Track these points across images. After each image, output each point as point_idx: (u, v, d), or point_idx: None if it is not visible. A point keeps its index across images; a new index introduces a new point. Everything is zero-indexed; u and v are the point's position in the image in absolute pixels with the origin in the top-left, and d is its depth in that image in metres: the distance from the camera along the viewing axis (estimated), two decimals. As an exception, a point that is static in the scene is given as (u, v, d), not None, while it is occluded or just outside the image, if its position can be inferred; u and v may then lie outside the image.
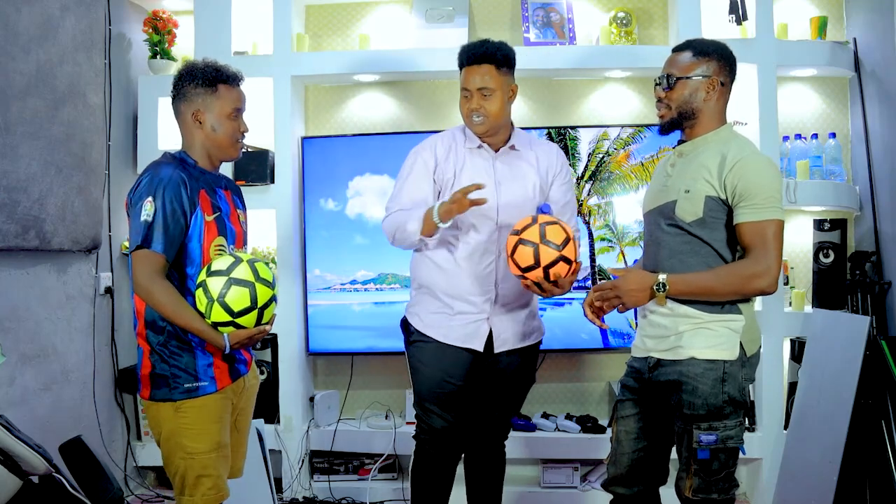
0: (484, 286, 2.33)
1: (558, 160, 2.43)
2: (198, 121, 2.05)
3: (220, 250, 2.03)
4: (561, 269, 2.07)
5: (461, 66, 2.32)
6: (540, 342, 2.49)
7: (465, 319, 2.34)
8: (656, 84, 2.05)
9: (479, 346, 2.34)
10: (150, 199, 1.92)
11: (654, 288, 1.93)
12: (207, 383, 1.99)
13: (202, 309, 1.92)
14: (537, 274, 2.06)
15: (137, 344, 2.03)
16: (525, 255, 2.06)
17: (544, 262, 2.05)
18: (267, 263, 2.05)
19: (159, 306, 1.92)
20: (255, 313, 1.92)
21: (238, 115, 2.10)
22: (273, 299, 1.97)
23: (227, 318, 1.90)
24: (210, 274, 1.92)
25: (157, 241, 1.91)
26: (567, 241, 2.07)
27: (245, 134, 2.13)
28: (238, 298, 1.89)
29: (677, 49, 2.06)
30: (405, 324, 2.45)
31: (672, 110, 2.01)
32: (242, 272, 1.91)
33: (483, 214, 2.30)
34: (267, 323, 1.99)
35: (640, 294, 1.96)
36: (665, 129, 2.06)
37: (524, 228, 2.08)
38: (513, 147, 2.37)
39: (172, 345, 1.98)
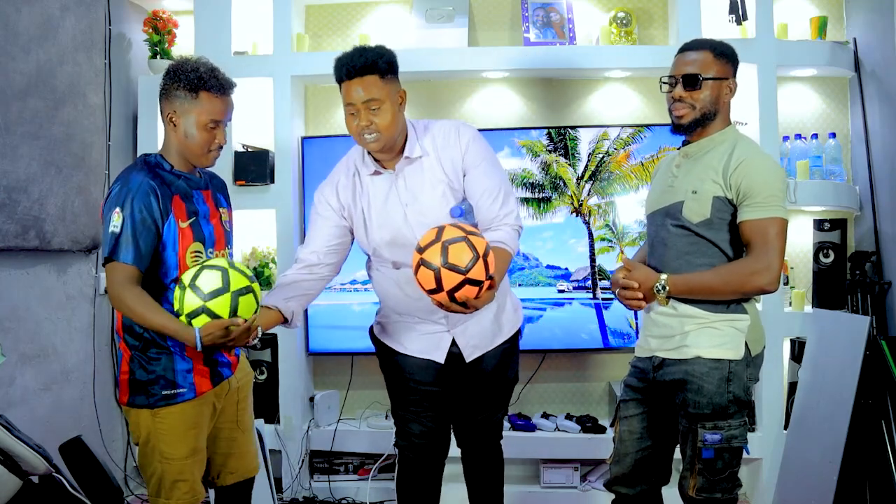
0: (431, 308, 2.06)
1: (461, 142, 2.13)
2: (172, 122, 2.01)
3: (196, 257, 2.01)
4: (468, 291, 1.84)
5: (340, 80, 2.07)
6: (517, 334, 2.33)
7: (425, 330, 2.23)
8: (671, 83, 2.00)
9: (441, 358, 2.22)
10: (118, 209, 1.90)
11: (654, 289, 1.94)
12: (186, 389, 1.99)
13: (177, 305, 1.88)
14: (442, 297, 1.85)
15: (118, 348, 2.02)
16: (427, 278, 1.84)
17: (447, 286, 1.82)
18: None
19: (131, 313, 1.91)
20: (227, 296, 1.83)
21: (216, 126, 2.01)
22: (250, 290, 1.87)
23: (199, 302, 1.82)
24: (184, 274, 1.91)
25: (125, 253, 1.89)
26: (475, 259, 1.82)
27: (221, 147, 2.05)
28: (210, 280, 1.83)
29: (694, 47, 2.01)
30: (371, 332, 2.39)
31: (696, 111, 1.97)
32: (215, 261, 1.91)
33: (401, 243, 2.14)
34: (246, 320, 1.88)
35: (644, 292, 1.97)
36: (684, 129, 2.01)
37: (427, 246, 1.85)
38: (408, 158, 2.13)
39: (151, 351, 1.97)
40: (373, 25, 3.61)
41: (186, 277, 1.87)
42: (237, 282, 1.86)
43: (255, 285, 1.91)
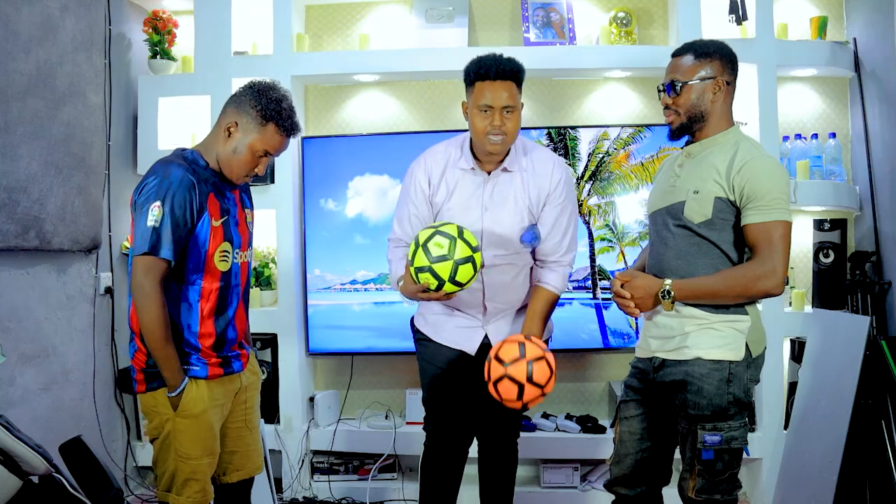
0: (473, 303, 2.36)
1: (552, 179, 2.29)
2: (228, 132, 2.01)
3: (224, 256, 2.03)
4: (539, 399, 2.09)
5: (478, 79, 2.18)
6: (547, 341, 2.48)
7: (461, 324, 2.38)
8: (660, 91, 2.05)
9: (472, 350, 2.36)
10: (158, 203, 1.89)
11: (660, 295, 1.94)
12: (199, 368, 2.00)
13: (409, 256, 2.09)
14: (515, 405, 2.08)
15: (132, 341, 2.02)
16: (509, 391, 2.05)
17: (527, 399, 2.05)
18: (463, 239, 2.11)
19: (147, 315, 1.90)
20: (450, 263, 2.05)
21: (265, 157, 2.03)
22: (470, 260, 2.08)
23: (427, 262, 2.07)
24: (421, 232, 2.10)
25: (165, 248, 1.90)
26: (550, 377, 2.05)
27: (257, 175, 2.08)
28: (438, 246, 2.06)
29: (678, 53, 2.05)
30: (412, 323, 2.52)
31: (681, 116, 2.01)
32: (447, 227, 2.09)
33: None
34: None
35: (646, 300, 1.97)
36: (675, 134, 2.05)
37: (512, 362, 2.04)
38: (505, 169, 2.29)
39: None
40: (373, 25, 3.61)
41: (423, 236, 2.09)
42: (461, 252, 2.06)
43: (477, 255, 2.10)
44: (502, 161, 2.29)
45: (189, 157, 2.03)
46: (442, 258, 2.05)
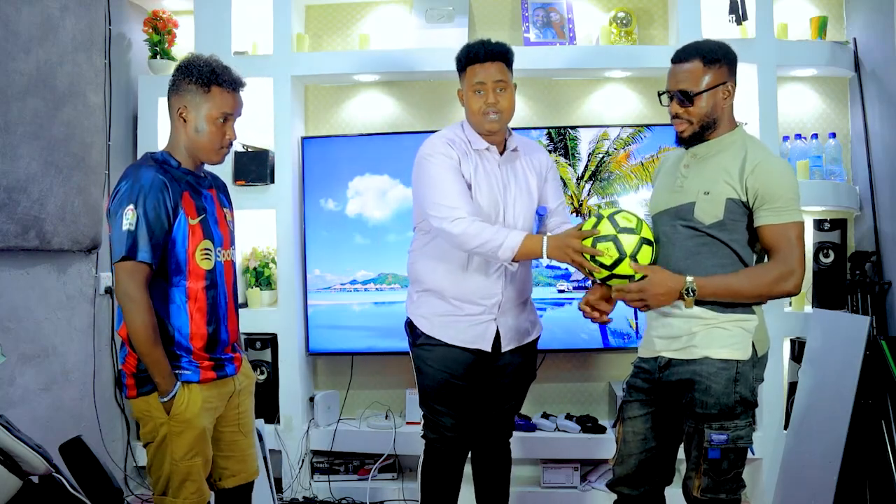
0: (492, 290, 2.32)
1: (548, 160, 2.47)
2: (182, 118, 2.01)
3: (206, 254, 2.01)
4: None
5: (469, 63, 2.27)
6: (537, 340, 2.49)
7: (473, 321, 2.33)
8: (664, 98, 2.01)
9: (487, 347, 2.34)
10: (131, 206, 1.89)
11: (683, 293, 1.93)
12: (191, 372, 1.99)
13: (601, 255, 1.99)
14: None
15: (123, 346, 2.01)
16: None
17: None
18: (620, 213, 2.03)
19: (134, 320, 1.89)
20: (627, 261, 1.96)
21: (226, 120, 2.03)
22: (645, 242, 1.98)
23: (605, 272, 1.99)
24: (619, 230, 1.99)
25: (143, 251, 1.89)
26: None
27: (231, 142, 2.06)
28: (607, 252, 1.97)
29: (683, 58, 1.99)
30: (410, 325, 2.42)
31: (694, 125, 1.98)
32: (605, 228, 1.99)
33: (494, 217, 2.30)
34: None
35: (665, 298, 1.94)
36: (688, 142, 2.02)
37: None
38: (514, 150, 2.37)
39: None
40: (373, 25, 3.61)
41: (606, 210, 2.07)
42: (646, 231, 2.00)
43: (644, 232, 2.01)
44: (505, 142, 2.36)
45: (160, 158, 2.02)
46: (617, 262, 1.96)
